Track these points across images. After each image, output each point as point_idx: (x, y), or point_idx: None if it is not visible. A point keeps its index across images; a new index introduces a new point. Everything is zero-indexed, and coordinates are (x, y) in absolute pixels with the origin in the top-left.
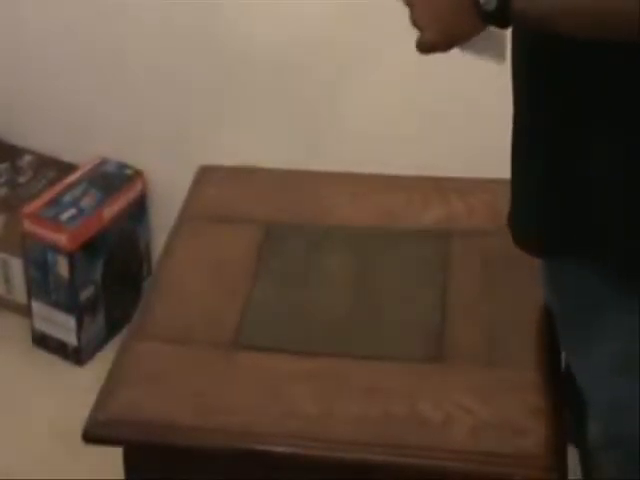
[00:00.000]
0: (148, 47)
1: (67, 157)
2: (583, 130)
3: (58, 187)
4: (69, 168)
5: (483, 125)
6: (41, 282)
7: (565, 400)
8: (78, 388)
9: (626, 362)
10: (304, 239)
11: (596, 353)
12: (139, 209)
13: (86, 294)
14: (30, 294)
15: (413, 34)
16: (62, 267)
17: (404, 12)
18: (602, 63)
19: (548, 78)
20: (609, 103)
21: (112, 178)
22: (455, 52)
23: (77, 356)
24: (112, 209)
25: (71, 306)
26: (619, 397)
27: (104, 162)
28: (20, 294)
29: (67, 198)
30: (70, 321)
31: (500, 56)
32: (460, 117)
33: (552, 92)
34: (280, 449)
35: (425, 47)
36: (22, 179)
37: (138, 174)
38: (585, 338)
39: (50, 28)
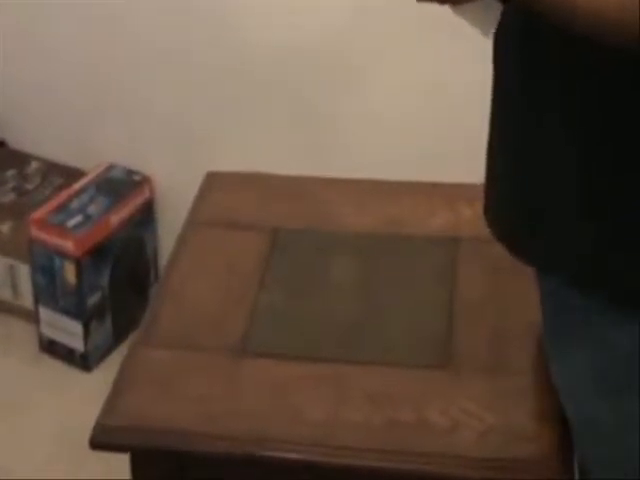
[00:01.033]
0: (156, 54)
1: (74, 163)
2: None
3: (65, 193)
4: (76, 174)
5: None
6: (48, 288)
7: None
8: (85, 394)
9: (599, 380)
10: (311, 245)
11: (570, 368)
12: (146, 215)
13: (93, 300)
14: (37, 300)
15: (416, 40)
16: (69, 273)
17: (407, 18)
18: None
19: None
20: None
21: (119, 184)
22: (465, 61)
23: (84, 362)
24: (119, 215)
25: (78, 312)
26: (590, 417)
27: (111, 168)
28: (27, 300)
29: (74, 204)
30: (77, 327)
31: (490, 28)
32: (463, 122)
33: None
34: (287, 455)
35: None
36: (29, 185)
37: (145, 180)
38: (561, 351)
39: (56, 33)
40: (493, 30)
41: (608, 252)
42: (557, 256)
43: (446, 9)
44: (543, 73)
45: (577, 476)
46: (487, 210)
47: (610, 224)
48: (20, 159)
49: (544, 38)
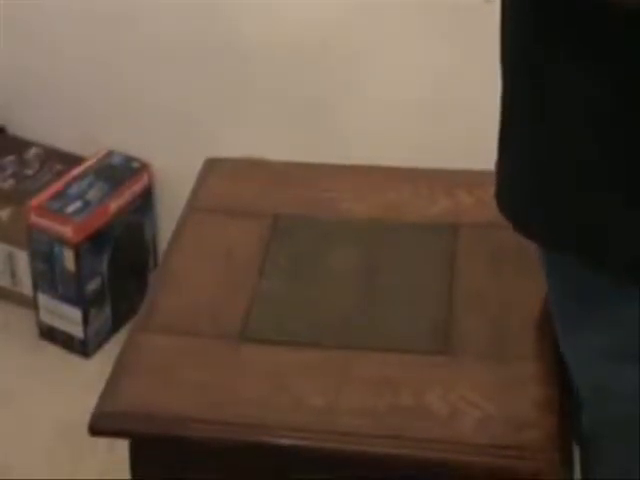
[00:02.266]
0: (154, 41)
1: (73, 150)
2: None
3: (64, 180)
4: (75, 161)
5: (489, 119)
6: (47, 275)
7: (571, 394)
8: (85, 380)
9: (611, 348)
10: (311, 231)
11: (583, 340)
12: (145, 202)
13: (92, 286)
14: (36, 287)
15: (414, 34)
16: (68, 260)
17: (407, 6)
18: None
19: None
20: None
21: (118, 171)
22: (461, 54)
23: (84, 348)
24: (118, 202)
25: (77, 299)
26: (603, 382)
27: (110, 155)
28: (26, 287)
29: (73, 191)
30: (76, 314)
31: None
32: (462, 110)
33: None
34: (286, 441)
35: None
36: (28, 172)
37: (144, 167)
38: (572, 325)
39: (57, 21)
40: None
41: (624, 227)
42: (570, 232)
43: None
44: (558, 52)
45: (576, 464)
46: (499, 190)
47: (627, 198)
48: (19, 145)
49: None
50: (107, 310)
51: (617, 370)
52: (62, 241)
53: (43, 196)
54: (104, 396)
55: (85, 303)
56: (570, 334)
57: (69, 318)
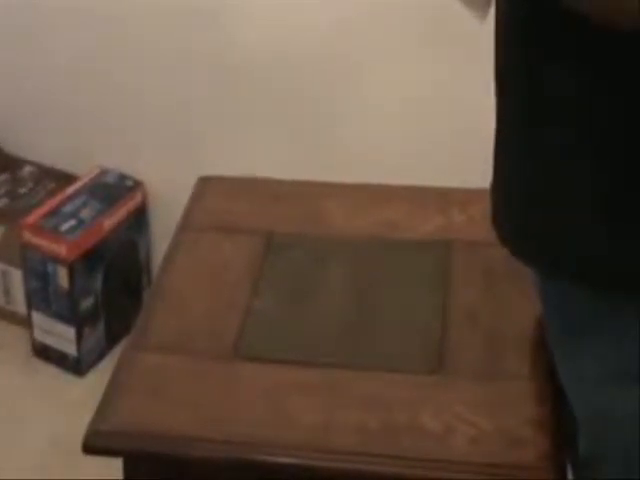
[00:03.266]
0: (148, 57)
1: (67, 168)
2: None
3: (58, 198)
4: (69, 179)
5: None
6: (41, 293)
7: (565, 413)
8: (78, 399)
9: (610, 373)
10: (305, 250)
11: (580, 364)
12: (139, 220)
13: (86, 305)
14: (30, 305)
15: (413, 44)
16: (62, 278)
17: (404, 22)
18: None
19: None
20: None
21: (112, 189)
22: (462, 63)
23: (77, 367)
24: (112, 220)
25: (71, 317)
26: (603, 409)
27: (104, 173)
28: (20, 305)
29: (67, 209)
30: (70, 332)
31: (485, 11)
32: (459, 123)
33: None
34: (280, 460)
35: None
36: (22, 190)
37: (138, 185)
38: (569, 349)
39: (51, 38)
40: (488, 13)
41: (623, 252)
42: (568, 257)
43: (446, 6)
44: (555, 78)
45: None
46: (495, 214)
47: (625, 224)
48: (13, 163)
49: (556, 35)
50: (101, 328)
51: (616, 395)
52: (56, 259)
53: (37, 214)
54: (98, 414)
55: (79, 321)
56: (568, 360)
57: (63, 336)
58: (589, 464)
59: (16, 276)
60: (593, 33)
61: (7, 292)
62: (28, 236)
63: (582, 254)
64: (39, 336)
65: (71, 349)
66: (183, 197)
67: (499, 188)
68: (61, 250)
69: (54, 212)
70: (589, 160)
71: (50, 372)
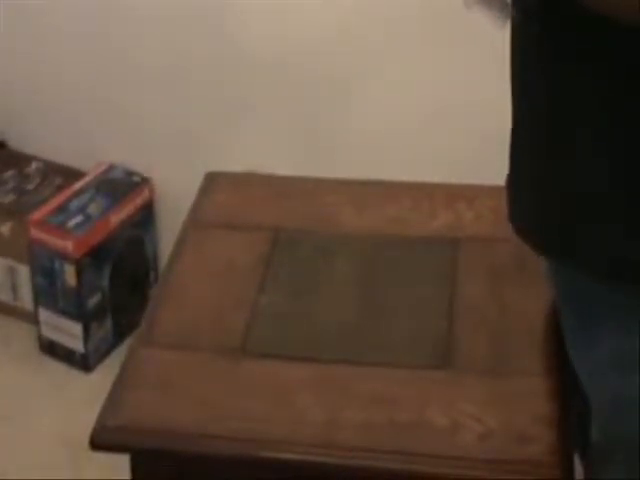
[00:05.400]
0: (154, 54)
1: (74, 164)
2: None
3: (65, 194)
4: (76, 175)
5: (491, 133)
6: (48, 289)
7: (572, 409)
8: (86, 395)
9: (626, 359)
10: (312, 246)
11: (596, 351)
12: (146, 216)
13: (93, 301)
14: (37, 301)
15: (416, 43)
16: (69, 274)
17: (407, 21)
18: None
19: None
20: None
21: (119, 185)
22: (468, 65)
23: (84, 363)
24: (119, 216)
25: (78, 313)
26: (619, 395)
27: (111, 169)
28: (27, 301)
29: (74, 205)
30: (77, 328)
31: (504, 19)
32: (463, 122)
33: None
34: (287, 456)
35: None
36: (29, 186)
37: (145, 181)
38: (586, 337)
39: (57, 34)
40: (505, 23)
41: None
42: (589, 254)
43: (452, 8)
44: (571, 77)
45: (577, 477)
46: (512, 210)
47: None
48: (20, 160)
49: (572, 35)
50: (108, 324)
51: (631, 379)
52: (63, 256)
53: (44, 210)
54: (105, 411)
55: (86, 317)
56: (582, 346)
57: (70, 333)
58: (604, 449)
59: (23, 272)
60: (609, 33)
61: (14, 288)
62: (35, 232)
63: (600, 247)
64: (46, 332)
65: (78, 345)
66: (190, 193)
67: (517, 184)
68: (68, 246)
69: (61, 208)
70: (606, 158)
71: (57, 368)
